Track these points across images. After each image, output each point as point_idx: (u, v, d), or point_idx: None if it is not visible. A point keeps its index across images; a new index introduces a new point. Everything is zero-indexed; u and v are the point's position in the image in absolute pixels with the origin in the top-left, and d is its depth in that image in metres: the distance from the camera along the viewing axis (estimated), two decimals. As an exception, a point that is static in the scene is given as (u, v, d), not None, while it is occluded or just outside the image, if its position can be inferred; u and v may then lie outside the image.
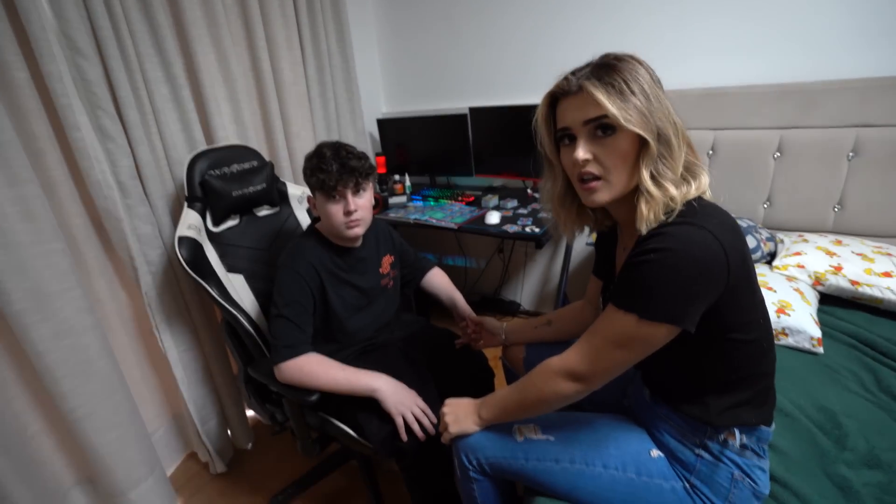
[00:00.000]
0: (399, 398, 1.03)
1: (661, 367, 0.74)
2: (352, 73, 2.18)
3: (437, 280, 1.43)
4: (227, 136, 1.58)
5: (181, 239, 1.20)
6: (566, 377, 0.74)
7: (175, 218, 1.42)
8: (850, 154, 1.51)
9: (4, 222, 1.00)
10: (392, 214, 1.96)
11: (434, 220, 1.81)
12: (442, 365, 1.26)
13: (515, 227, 1.66)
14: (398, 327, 1.35)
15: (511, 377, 1.24)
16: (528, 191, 2.05)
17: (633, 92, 0.64)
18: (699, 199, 0.68)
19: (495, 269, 2.45)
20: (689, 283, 0.62)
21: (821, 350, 1.15)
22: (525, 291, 2.45)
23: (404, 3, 2.29)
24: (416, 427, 1.01)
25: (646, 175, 0.65)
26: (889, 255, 1.33)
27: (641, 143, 0.66)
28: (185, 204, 1.29)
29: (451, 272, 2.57)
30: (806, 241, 1.47)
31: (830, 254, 1.36)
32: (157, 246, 1.37)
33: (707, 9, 1.65)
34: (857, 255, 1.34)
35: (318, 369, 1.06)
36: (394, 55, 2.44)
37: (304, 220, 1.54)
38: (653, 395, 0.83)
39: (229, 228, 1.39)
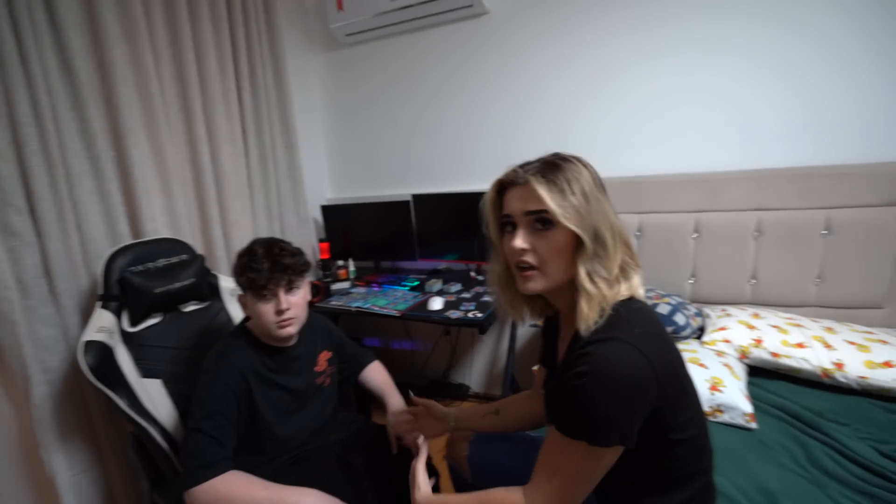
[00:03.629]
0: None
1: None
2: (296, 161, 2.22)
3: (373, 376, 1.37)
4: (157, 227, 1.53)
5: (88, 343, 1.09)
6: None
7: (86, 318, 1.30)
8: (755, 234, 1.67)
9: None
10: (334, 302, 1.90)
11: (377, 308, 1.77)
12: (382, 469, 1.16)
13: (458, 313, 1.65)
14: (334, 429, 1.25)
15: (456, 477, 1.15)
16: (472, 274, 2.08)
17: (573, 192, 0.68)
18: (627, 302, 0.70)
19: (443, 352, 2.40)
20: (626, 402, 0.63)
21: (754, 426, 1.17)
22: (474, 374, 2.39)
23: (350, 93, 2.42)
24: None
25: (582, 273, 0.68)
26: (800, 325, 1.42)
27: (577, 241, 0.69)
28: (98, 304, 1.20)
29: (398, 357, 2.52)
30: (729, 315, 1.56)
31: (751, 327, 1.44)
32: (59, 351, 1.24)
33: (625, 111, 1.87)
34: (774, 327, 1.42)
35: (237, 493, 0.94)
36: (339, 142, 2.53)
37: (237, 315, 1.46)
38: (597, 498, 0.79)
39: (149, 328, 1.29)
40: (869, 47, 1.50)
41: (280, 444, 1.13)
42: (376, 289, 2.04)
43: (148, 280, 1.26)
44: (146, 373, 1.23)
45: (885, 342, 1.29)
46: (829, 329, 1.39)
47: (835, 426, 1.14)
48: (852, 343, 1.30)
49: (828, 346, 1.31)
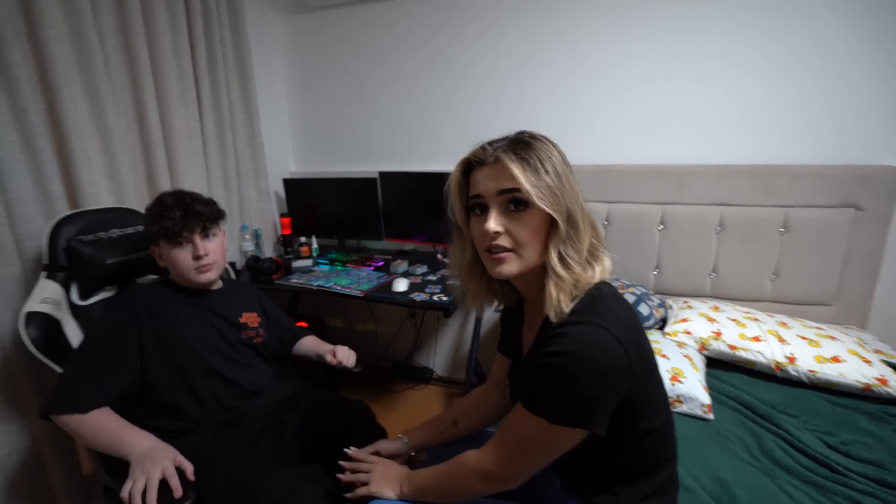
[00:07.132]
0: (151, 459, 0.85)
1: (571, 456, 0.71)
2: (256, 129, 2.09)
3: (306, 343, 1.35)
4: (98, 192, 1.39)
5: (30, 315, 1.02)
6: (482, 478, 0.72)
7: (22, 290, 1.18)
8: (718, 228, 1.70)
9: None
10: (294, 280, 1.81)
11: (339, 287, 1.70)
12: (324, 426, 1.10)
13: (423, 296, 1.61)
14: (274, 392, 1.17)
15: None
16: (439, 256, 2.03)
17: (546, 171, 0.65)
18: (601, 286, 0.68)
19: (407, 334, 2.36)
20: (592, 387, 0.61)
21: (711, 416, 1.20)
22: (438, 357, 2.37)
23: (316, 61, 2.28)
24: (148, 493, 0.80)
25: (554, 255, 0.66)
26: (756, 319, 1.47)
27: (551, 222, 0.66)
28: (43, 274, 1.11)
29: (362, 338, 2.46)
30: (690, 307, 1.59)
31: (711, 320, 1.48)
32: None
33: (598, 97, 1.84)
34: (732, 320, 1.46)
35: (90, 423, 0.90)
36: (304, 113, 2.39)
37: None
38: (563, 486, 0.79)
39: (102, 301, 1.21)
40: (834, 53, 1.53)
41: (195, 354, 1.06)
42: (339, 268, 1.96)
43: (99, 250, 1.19)
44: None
45: (833, 338, 1.35)
46: (783, 324, 1.44)
47: (785, 418, 1.18)
48: (804, 338, 1.35)
49: (782, 340, 1.35)
